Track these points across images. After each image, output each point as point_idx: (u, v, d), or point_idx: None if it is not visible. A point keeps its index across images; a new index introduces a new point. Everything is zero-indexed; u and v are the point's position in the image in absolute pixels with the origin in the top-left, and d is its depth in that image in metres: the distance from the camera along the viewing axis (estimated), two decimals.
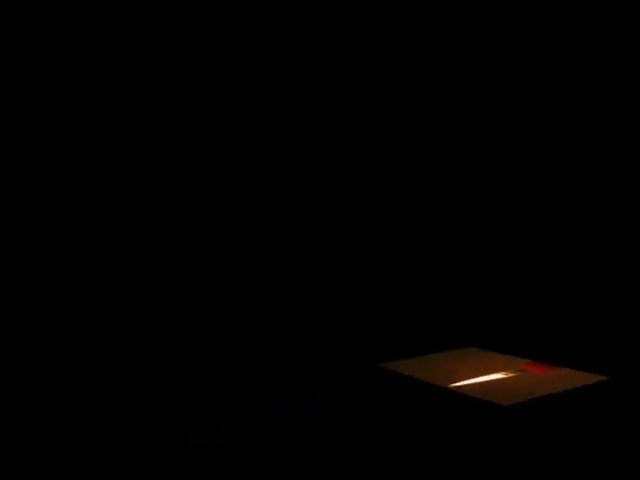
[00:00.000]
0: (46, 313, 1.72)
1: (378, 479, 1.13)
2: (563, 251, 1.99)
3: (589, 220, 1.94)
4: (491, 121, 2.10)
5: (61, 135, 1.75)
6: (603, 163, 1.94)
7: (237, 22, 1.89)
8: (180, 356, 1.74)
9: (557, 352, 1.76)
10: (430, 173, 2.10)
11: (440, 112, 2.09)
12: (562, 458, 1.24)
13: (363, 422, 1.31)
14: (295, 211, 1.95)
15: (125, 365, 1.64)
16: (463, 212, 2.12)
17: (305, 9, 1.93)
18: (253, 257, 1.90)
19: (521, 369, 1.62)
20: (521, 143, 2.07)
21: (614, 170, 1.93)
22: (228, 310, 1.86)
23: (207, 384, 1.54)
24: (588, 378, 1.52)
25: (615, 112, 1.92)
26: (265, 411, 1.37)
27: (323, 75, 1.99)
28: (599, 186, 1.94)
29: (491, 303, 2.03)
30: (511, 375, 1.56)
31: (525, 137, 2.07)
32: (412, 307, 2.02)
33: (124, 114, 1.80)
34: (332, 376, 1.64)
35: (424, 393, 1.46)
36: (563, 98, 2.00)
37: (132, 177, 1.82)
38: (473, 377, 1.54)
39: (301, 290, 1.94)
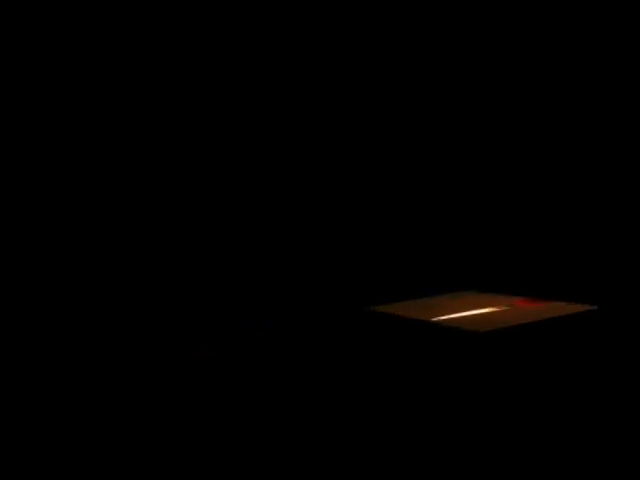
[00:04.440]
0: (45, 313, 1.72)
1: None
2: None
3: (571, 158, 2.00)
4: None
5: (61, 135, 1.75)
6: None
7: (237, 22, 1.89)
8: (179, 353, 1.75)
9: (557, 290, 1.80)
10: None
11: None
12: (548, 383, 1.28)
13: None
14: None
15: (125, 364, 1.65)
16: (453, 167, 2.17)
17: (305, 9, 1.93)
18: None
19: (512, 304, 1.64)
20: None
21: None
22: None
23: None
24: (576, 308, 1.53)
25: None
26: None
27: (322, 75, 1.99)
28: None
29: (489, 247, 2.09)
30: (500, 309, 1.58)
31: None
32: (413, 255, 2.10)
33: (124, 115, 1.80)
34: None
35: (403, 328, 1.50)
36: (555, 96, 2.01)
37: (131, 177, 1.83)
38: (459, 312, 1.57)
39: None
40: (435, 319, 1.49)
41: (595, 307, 1.53)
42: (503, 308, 1.58)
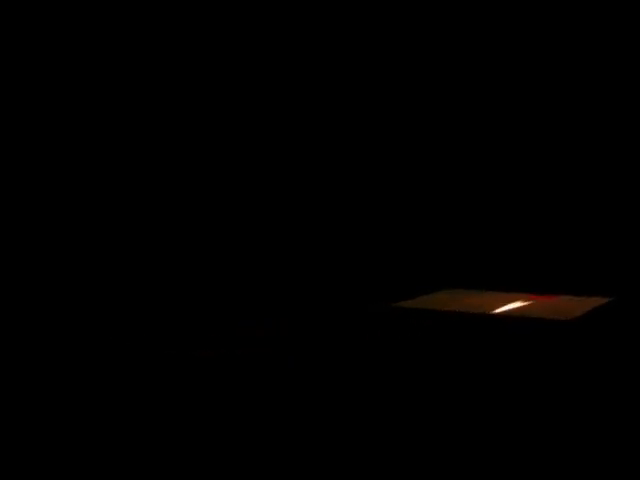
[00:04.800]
0: (45, 313, 1.72)
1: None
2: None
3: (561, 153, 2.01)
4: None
5: (62, 136, 1.75)
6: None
7: (237, 23, 1.89)
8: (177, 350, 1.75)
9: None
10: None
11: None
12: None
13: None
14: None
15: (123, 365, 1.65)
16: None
17: (305, 9, 1.93)
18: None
19: (529, 299, 1.62)
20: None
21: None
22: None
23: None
24: (596, 300, 1.54)
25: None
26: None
27: (321, 78, 1.99)
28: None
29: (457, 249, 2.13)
30: (529, 303, 1.56)
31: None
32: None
33: (124, 117, 1.80)
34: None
35: (474, 321, 1.49)
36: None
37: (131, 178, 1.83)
38: (501, 306, 1.54)
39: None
40: (498, 311, 1.48)
41: (612, 298, 1.54)
42: (530, 302, 1.56)
